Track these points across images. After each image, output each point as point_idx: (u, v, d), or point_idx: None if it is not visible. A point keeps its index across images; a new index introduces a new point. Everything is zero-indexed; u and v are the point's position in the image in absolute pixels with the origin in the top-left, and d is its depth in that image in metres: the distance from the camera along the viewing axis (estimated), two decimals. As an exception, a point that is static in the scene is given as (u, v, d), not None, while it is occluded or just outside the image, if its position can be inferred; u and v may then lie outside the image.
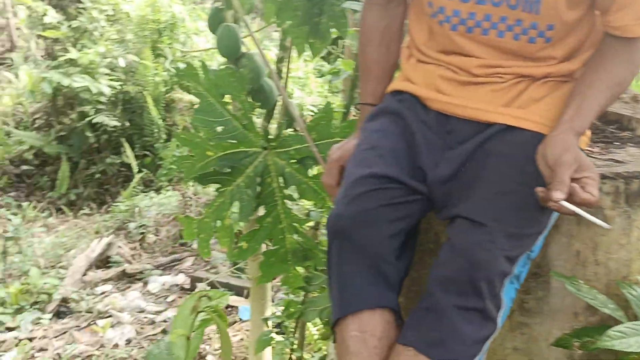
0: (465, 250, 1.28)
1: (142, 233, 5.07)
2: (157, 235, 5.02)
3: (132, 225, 5.10)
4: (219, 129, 1.80)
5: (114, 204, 5.64)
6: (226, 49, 1.96)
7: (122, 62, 5.87)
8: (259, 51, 1.84)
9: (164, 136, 6.10)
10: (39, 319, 3.88)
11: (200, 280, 4.03)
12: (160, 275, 4.40)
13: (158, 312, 3.86)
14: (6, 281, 4.30)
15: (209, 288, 3.91)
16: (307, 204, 2.61)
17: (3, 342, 3.62)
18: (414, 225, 1.43)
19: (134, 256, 4.80)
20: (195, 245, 4.72)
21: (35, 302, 4.05)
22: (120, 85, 5.89)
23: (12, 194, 6.08)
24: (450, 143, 1.42)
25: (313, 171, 1.86)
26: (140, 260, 4.70)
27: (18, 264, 4.50)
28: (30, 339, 3.64)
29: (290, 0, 1.86)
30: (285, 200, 1.84)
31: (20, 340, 3.63)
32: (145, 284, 4.32)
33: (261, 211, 1.90)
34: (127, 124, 6.06)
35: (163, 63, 6.06)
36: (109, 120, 5.78)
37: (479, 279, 1.25)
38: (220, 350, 3.15)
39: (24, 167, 6.26)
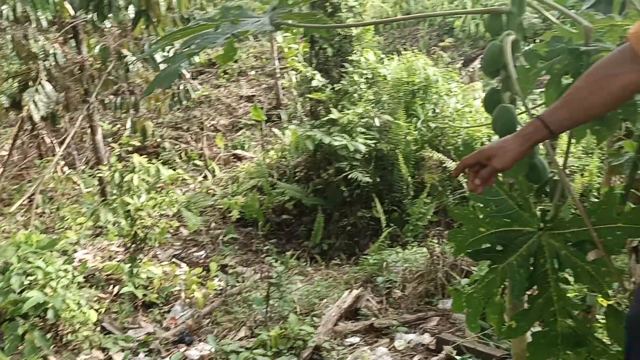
0: None
1: (389, 288, 5.22)
2: (403, 292, 5.13)
3: (379, 279, 5.28)
4: (494, 206, 1.83)
5: (363, 257, 5.89)
6: (502, 126, 2.00)
7: (377, 122, 6.19)
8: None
9: (412, 193, 6.27)
10: (295, 364, 4.18)
11: (447, 342, 4.02)
12: (406, 332, 4.47)
13: (405, 371, 3.92)
14: (267, 324, 4.70)
15: (454, 352, 3.89)
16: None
17: (265, 382, 3.96)
18: None
19: (381, 310, 4.94)
20: (440, 305, 4.74)
21: (292, 348, 4.35)
22: (375, 143, 6.21)
23: (273, 240, 6.67)
24: None
25: (591, 256, 1.79)
26: (387, 315, 4.83)
27: (278, 308, 4.90)
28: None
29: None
30: (559, 283, 1.80)
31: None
32: (392, 339, 4.42)
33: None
34: (378, 180, 6.35)
35: (415, 122, 6.27)
36: (362, 177, 6.10)
37: None
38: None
39: (284, 217, 6.85)
